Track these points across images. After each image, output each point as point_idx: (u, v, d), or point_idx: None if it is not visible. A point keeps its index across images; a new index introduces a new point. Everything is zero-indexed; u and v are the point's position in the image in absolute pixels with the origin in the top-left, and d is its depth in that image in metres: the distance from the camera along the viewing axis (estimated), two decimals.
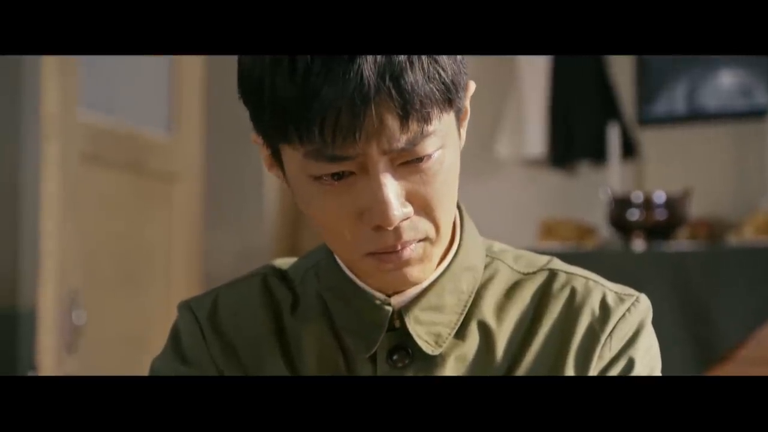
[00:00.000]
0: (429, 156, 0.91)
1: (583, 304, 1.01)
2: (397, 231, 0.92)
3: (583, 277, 1.03)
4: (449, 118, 0.93)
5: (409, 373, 0.98)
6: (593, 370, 0.98)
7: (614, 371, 0.99)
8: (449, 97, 0.91)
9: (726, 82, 3.50)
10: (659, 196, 3.10)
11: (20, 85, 2.65)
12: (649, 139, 3.58)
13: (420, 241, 0.94)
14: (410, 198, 0.92)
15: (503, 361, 0.99)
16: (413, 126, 0.89)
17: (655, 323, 1.03)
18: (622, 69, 3.60)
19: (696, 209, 3.30)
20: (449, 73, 0.90)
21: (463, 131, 0.98)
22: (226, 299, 1.06)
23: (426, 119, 0.89)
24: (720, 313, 2.73)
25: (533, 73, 3.63)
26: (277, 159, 0.96)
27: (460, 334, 0.99)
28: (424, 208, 0.93)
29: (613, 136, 3.34)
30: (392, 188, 0.90)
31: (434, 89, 0.89)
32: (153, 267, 3.27)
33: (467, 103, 0.97)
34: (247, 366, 1.02)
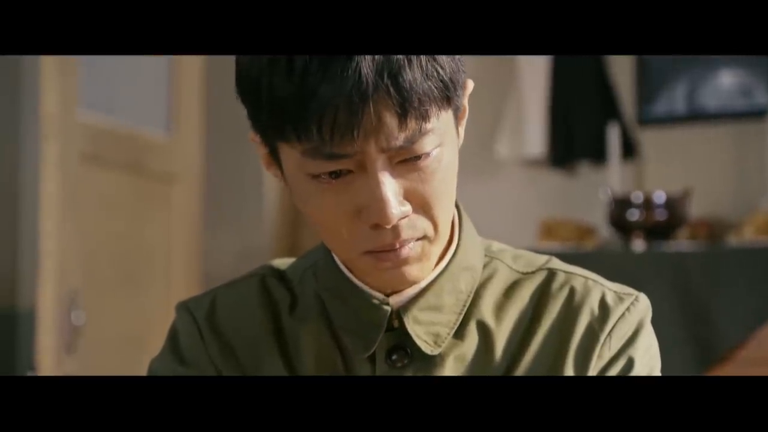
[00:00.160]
0: (427, 154, 0.91)
1: (583, 303, 1.00)
2: (395, 229, 0.92)
3: (582, 276, 1.03)
4: (447, 116, 0.93)
5: (408, 373, 0.98)
6: (593, 370, 0.98)
7: (614, 371, 0.99)
8: (447, 95, 0.91)
9: (726, 82, 3.50)
10: (659, 196, 3.10)
11: (20, 85, 2.65)
12: (649, 139, 3.58)
13: (418, 239, 0.94)
14: (408, 196, 0.92)
15: (502, 360, 0.99)
16: (411, 124, 0.88)
17: (655, 323, 1.03)
18: (622, 69, 3.60)
19: (696, 209, 3.29)
20: (447, 70, 0.90)
21: (462, 130, 0.98)
22: (225, 300, 1.05)
23: (424, 117, 0.89)
24: (720, 313, 2.73)
25: (533, 73, 3.63)
26: (275, 157, 0.96)
27: (459, 333, 0.99)
28: (422, 206, 0.93)
29: (613, 136, 3.33)
30: (390, 186, 0.90)
31: (432, 87, 0.89)
32: (152, 267, 3.27)
33: (466, 102, 0.97)
34: (245, 366, 1.02)
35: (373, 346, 0.98)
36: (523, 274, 1.03)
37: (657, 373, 1.02)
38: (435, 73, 0.89)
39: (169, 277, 3.33)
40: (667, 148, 3.56)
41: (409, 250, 0.94)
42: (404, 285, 0.97)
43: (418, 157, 0.91)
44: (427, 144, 0.90)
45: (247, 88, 0.92)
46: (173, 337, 1.05)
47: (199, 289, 3.30)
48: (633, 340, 1.00)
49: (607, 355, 0.99)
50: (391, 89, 0.87)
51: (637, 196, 3.11)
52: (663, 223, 3.08)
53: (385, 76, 0.87)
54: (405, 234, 0.92)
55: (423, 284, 0.99)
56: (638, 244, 3.08)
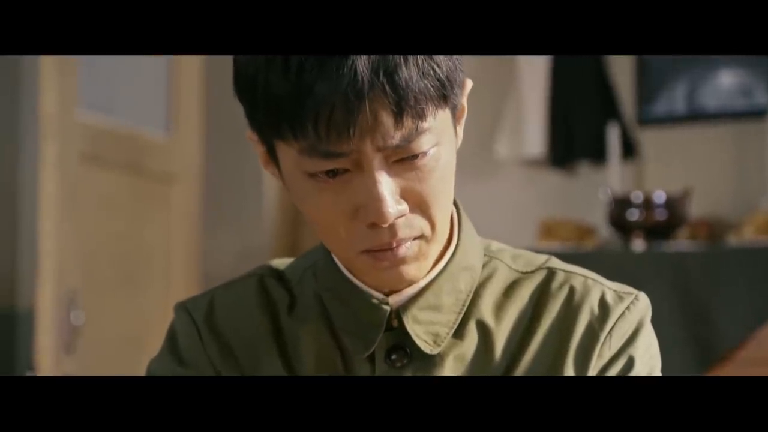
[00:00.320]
0: (424, 153, 0.91)
1: (582, 302, 1.00)
2: (392, 228, 0.91)
3: (581, 275, 1.03)
4: (445, 115, 0.92)
5: (408, 373, 0.98)
6: (593, 369, 0.98)
7: (614, 370, 0.98)
8: (444, 94, 0.90)
9: (726, 82, 3.49)
10: (659, 196, 3.09)
11: (19, 85, 2.65)
12: (649, 139, 3.58)
13: (415, 238, 0.94)
14: (405, 195, 0.92)
15: (502, 360, 0.99)
16: (408, 122, 0.88)
17: (655, 323, 1.03)
18: (622, 69, 3.60)
19: (696, 209, 3.29)
20: (444, 69, 0.90)
21: (461, 129, 0.98)
22: (223, 300, 1.05)
23: (420, 116, 0.89)
24: (720, 313, 2.73)
25: (533, 73, 3.63)
26: (272, 156, 0.96)
27: (459, 333, 0.99)
28: (419, 205, 0.92)
29: (613, 136, 3.33)
30: (387, 185, 0.90)
31: (429, 85, 0.89)
32: (152, 267, 3.26)
33: (464, 101, 0.97)
34: (244, 366, 1.01)
35: (373, 346, 0.98)
36: (522, 273, 1.03)
37: (657, 372, 1.02)
38: (431, 72, 0.89)
39: (168, 277, 3.33)
40: (667, 148, 3.56)
41: (406, 249, 0.93)
42: (402, 284, 0.97)
43: (414, 156, 0.91)
44: (423, 143, 0.90)
45: (244, 86, 0.92)
46: (172, 337, 1.05)
47: (198, 289, 3.30)
48: (633, 339, 1.00)
49: (608, 354, 0.99)
50: (387, 87, 0.87)
51: (637, 196, 3.11)
52: (663, 223, 3.08)
53: (381, 74, 0.87)
54: (402, 233, 0.92)
55: (422, 284, 0.99)
56: (638, 244, 3.07)
